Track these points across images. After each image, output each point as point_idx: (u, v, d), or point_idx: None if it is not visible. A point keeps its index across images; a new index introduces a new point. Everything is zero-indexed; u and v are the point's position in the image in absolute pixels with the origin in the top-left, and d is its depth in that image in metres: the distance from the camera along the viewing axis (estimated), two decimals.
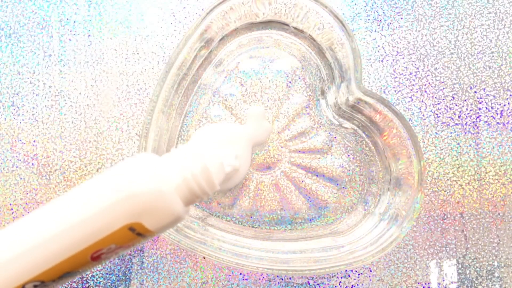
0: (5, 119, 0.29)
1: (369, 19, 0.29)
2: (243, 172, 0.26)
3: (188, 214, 0.20)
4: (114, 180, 0.17)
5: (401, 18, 0.29)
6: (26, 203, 0.29)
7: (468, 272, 0.28)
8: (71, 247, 0.16)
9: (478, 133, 0.29)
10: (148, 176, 0.17)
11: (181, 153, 0.19)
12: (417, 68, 0.29)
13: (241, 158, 0.26)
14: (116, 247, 0.17)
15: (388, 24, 0.29)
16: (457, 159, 0.28)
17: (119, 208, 0.16)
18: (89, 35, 0.29)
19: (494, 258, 0.28)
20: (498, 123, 0.29)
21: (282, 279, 0.28)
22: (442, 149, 0.28)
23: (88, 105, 0.29)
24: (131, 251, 0.28)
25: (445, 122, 0.29)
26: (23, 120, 0.29)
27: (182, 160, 0.19)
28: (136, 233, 0.17)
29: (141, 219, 0.17)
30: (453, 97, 0.29)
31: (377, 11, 0.29)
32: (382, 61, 0.29)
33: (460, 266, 0.28)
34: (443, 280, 0.28)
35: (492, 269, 0.28)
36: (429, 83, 0.29)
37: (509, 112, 0.29)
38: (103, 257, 0.17)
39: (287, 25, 0.26)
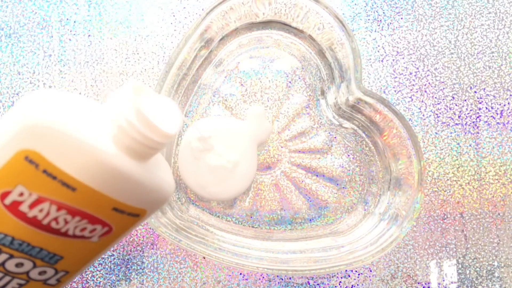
0: None
1: (369, 19, 0.29)
2: (250, 175, 0.26)
3: (146, 171, 0.17)
4: (9, 112, 0.16)
5: (401, 18, 0.29)
6: None
7: (468, 272, 0.28)
8: None
9: (478, 133, 0.29)
10: (37, 107, 0.15)
11: (117, 98, 0.17)
12: (417, 68, 0.29)
13: (246, 159, 0.26)
14: (33, 194, 0.15)
15: (388, 24, 0.29)
16: (457, 159, 0.28)
17: (8, 135, 0.15)
18: (89, 35, 0.29)
19: (494, 258, 0.28)
20: (498, 123, 0.29)
21: (282, 279, 0.28)
22: (442, 149, 0.28)
23: None
24: (131, 251, 0.28)
25: (445, 122, 0.29)
26: None
27: (117, 107, 0.16)
28: (43, 170, 0.15)
29: (36, 148, 0.15)
30: (453, 97, 0.29)
31: (377, 11, 0.29)
32: (382, 61, 0.29)
33: (460, 266, 0.28)
34: (443, 280, 0.28)
35: (492, 269, 0.28)
36: (429, 83, 0.29)
37: (509, 112, 0.29)
38: (24, 210, 0.16)
39: (290, 26, 0.26)
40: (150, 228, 0.28)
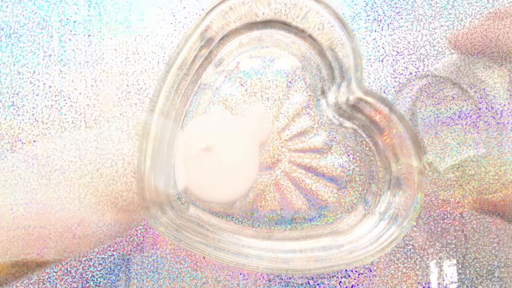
0: (5, 119, 0.29)
1: (369, 19, 0.29)
2: (252, 176, 0.26)
3: None
4: None
5: (401, 18, 0.29)
6: (26, 203, 0.29)
7: (468, 272, 0.28)
8: None
9: (478, 133, 0.29)
10: None
11: None
12: (417, 68, 0.29)
13: (247, 159, 0.26)
14: None
15: (388, 24, 0.29)
16: (457, 159, 0.28)
17: None
18: (89, 35, 0.29)
19: (494, 258, 0.28)
20: (498, 123, 0.29)
21: (282, 279, 0.28)
22: (442, 149, 0.28)
23: (88, 105, 0.29)
24: (131, 251, 0.28)
25: (445, 122, 0.29)
26: (23, 120, 0.29)
27: None
28: None
29: None
30: (453, 97, 0.29)
31: (377, 11, 0.29)
32: (382, 61, 0.29)
33: (460, 266, 0.28)
34: (443, 280, 0.28)
35: (492, 269, 0.28)
36: (429, 83, 0.29)
37: (509, 112, 0.29)
38: None
39: (291, 25, 0.26)
40: (150, 228, 0.28)
